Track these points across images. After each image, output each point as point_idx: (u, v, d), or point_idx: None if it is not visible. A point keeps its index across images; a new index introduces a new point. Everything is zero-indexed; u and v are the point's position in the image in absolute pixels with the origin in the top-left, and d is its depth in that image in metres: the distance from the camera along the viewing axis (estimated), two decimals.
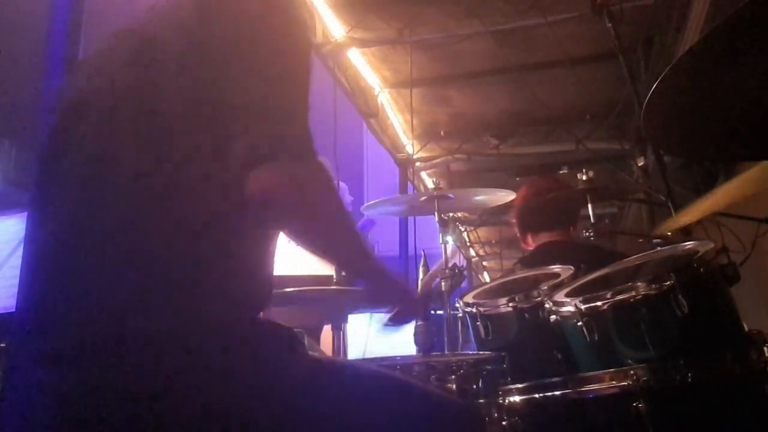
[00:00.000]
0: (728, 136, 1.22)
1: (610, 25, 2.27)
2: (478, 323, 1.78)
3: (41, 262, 0.97)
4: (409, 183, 5.83)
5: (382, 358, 1.75)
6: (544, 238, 2.55)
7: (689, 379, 1.28)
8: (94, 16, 2.15)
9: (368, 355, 3.13)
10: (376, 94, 4.83)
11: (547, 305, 1.62)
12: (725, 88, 1.07)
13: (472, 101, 5.05)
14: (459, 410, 1.14)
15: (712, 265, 1.42)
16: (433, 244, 2.23)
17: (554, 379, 1.45)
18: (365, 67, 4.51)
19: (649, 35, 3.97)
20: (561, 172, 5.25)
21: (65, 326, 0.89)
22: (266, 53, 0.97)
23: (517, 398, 1.46)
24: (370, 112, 4.81)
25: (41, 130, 1.08)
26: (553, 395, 1.43)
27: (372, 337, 3.32)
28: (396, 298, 1.21)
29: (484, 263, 9.62)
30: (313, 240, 1.02)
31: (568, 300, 1.54)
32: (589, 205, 2.29)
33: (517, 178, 5.38)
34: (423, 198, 2.25)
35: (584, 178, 2.26)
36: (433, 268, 1.87)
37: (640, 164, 4.68)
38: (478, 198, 2.42)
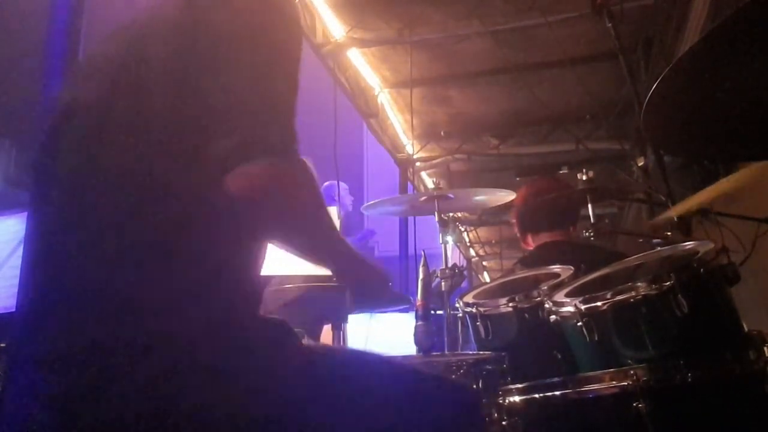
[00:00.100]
0: (728, 136, 1.22)
1: (610, 25, 2.27)
2: (478, 323, 1.78)
3: (38, 262, 0.97)
4: (409, 183, 5.83)
5: None
6: (544, 238, 2.55)
7: (689, 379, 1.28)
8: (94, 16, 2.15)
9: None
10: (376, 94, 4.83)
11: (547, 305, 1.62)
12: (725, 88, 1.07)
13: (472, 101, 5.05)
14: (456, 391, 1.14)
15: (712, 265, 1.42)
16: (433, 244, 2.23)
17: (554, 379, 1.45)
18: (365, 67, 4.51)
19: (649, 35, 3.97)
20: (561, 172, 5.25)
21: (61, 328, 0.89)
22: (258, 52, 0.97)
23: (517, 398, 1.46)
24: (370, 112, 4.81)
25: (41, 131, 1.08)
26: (553, 395, 1.43)
27: (372, 337, 3.32)
28: (376, 287, 1.23)
29: (484, 263, 9.62)
30: (292, 238, 1.03)
31: (568, 300, 1.54)
32: (589, 205, 2.29)
33: (517, 178, 5.38)
34: (423, 198, 2.25)
35: (584, 178, 2.26)
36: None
37: (640, 164, 4.68)
38: (478, 198, 2.42)
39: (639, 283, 1.41)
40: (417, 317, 1.62)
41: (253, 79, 0.95)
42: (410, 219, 5.39)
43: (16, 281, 0.99)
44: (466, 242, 8.16)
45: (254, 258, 1.02)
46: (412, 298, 2.10)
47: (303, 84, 1.02)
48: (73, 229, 0.93)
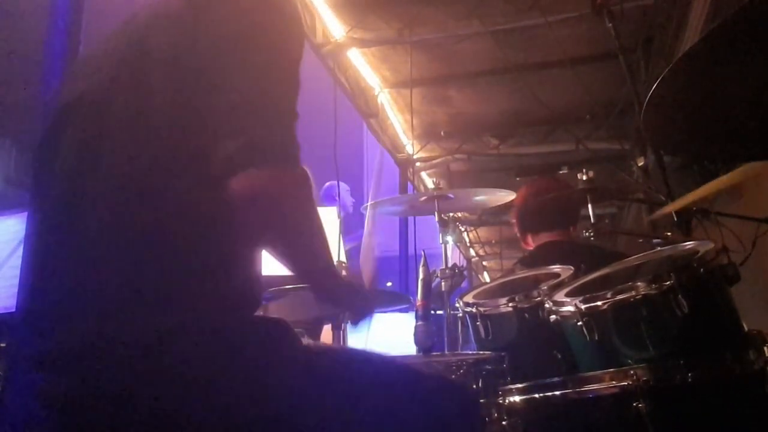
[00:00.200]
0: (728, 136, 1.22)
1: (610, 25, 2.27)
2: (478, 323, 1.78)
3: (38, 262, 0.97)
4: (409, 183, 5.83)
5: None
6: (544, 238, 2.55)
7: (689, 379, 1.28)
8: (94, 16, 2.15)
9: None
10: (376, 94, 4.83)
11: (547, 305, 1.62)
12: (725, 88, 1.07)
13: (472, 101, 5.05)
14: (458, 392, 1.14)
15: (712, 265, 1.42)
16: (433, 244, 2.23)
17: (554, 379, 1.45)
18: (365, 67, 4.51)
19: (649, 35, 3.96)
20: (561, 172, 5.24)
21: (60, 328, 0.89)
22: (259, 51, 0.97)
23: (517, 398, 1.46)
24: (370, 112, 4.81)
25: (41, 130, 1.08)
26: (553, 395, 1.42)
27: (372, 337, 3.32)
28: (353, 305, 1.25)
29: (484, 263, 9.62)
30: (283, 248, 1.03)
31: (568, 300, 1.54)
32: (589, 205, 2.29)
33: (517, 178, 5.37)
34: (423, 198, 2.25)
35: (584, 178, 2.26)
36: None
37: (640, 164, 4.68)
38: (478, 198, 2.43)
39: (639, 283, 1.41)
40: (417, 317, 1.62)
41: (255, 80, 0.95)
42: (410, 219, 5.39)
43: (16, 281, 0.99)
44: (466, 242, 8.16)
45: (252, 258, 1.02)
46: (412, 298, 2.10)
47: (303, 84, 1.02)
48: (73, 229, 0.93)
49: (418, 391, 1.05)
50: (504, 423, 1.42)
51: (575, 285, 1.62)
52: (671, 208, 1.82)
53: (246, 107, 0.92)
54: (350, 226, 4.43)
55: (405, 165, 5.72)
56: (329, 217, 2.93)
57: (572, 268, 1.82)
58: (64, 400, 0.85)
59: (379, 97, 4.88)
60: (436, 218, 2.15)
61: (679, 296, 1.35)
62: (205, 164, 0.92)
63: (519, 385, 1.48)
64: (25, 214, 1.38)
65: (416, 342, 1.60)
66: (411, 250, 5.45)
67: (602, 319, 1.45)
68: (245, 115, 0.92)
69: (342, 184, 4.00)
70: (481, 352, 1.74)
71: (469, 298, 1.89)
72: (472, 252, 8.96)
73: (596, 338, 1.45)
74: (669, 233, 1.93)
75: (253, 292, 1.00)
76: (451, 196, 2.21)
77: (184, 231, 0.91)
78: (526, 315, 1.74)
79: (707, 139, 1.24)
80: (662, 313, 1.38)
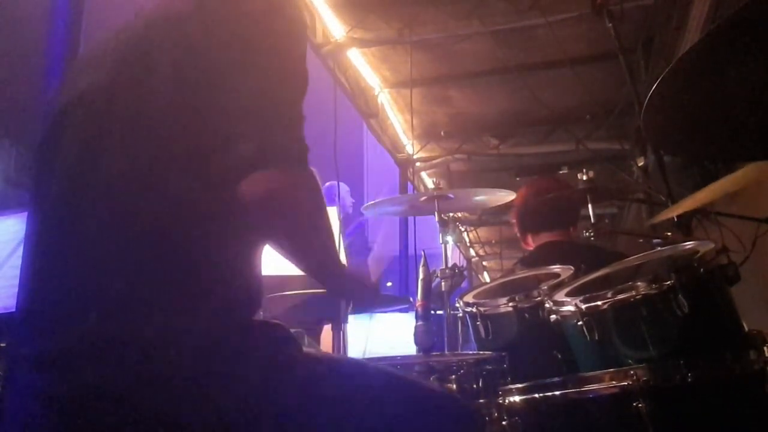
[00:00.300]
0: (728, 136, 1.22)
1: (610, 25, 2.27)
2: (478, 323, 1.78)
3: (38, 262, 0.97)
4: (409, 183, 5.83)
5: (382, 358, 1.75)
6: (544, 238, 2.55)
7: (689, 379, 1.28)
8: (94, 16, 2.15)
9: (368, 355, 3.13)
10: (376, 94, 4.83)
11: (547, 305, 1.62)
12: (725, 88, 1.07)
13: (472, 101, 5.05)
14: (457, 407, 1.14)
15: (712, 265, 1.42)
16: (433, 244, 2.23)
17: (554, 379, 1.44)
18: (365, 67, 4.51)
19: (649, 35, 3.97)
20: (561, 172, 5.25)
21: (60, 328, 0.88)
22: (265, 54, 0.97)
23: (517, 398, 1.46)
24: (370, 112, 4.81)
25: (41, 130, 1.08)
26: (553, 395, 1.42)
27: (372, 337, 3.32)
28: (359, 295, 1.27)
29: (484, 263, 9.62)
30: (292, 247, 1.04)
31: (568, 300, 1.54)
32: (589, 205, 2.29)
33: (517, 178, 5.38)
34: (423, 198, 2.25)
35: (584, 178, 2.26)
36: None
37: (640, 164, 4.68)
38: (478, 198, 2.42)
39: (639, 283, 1.41)
40: (417, 317, 1.62)
41: (263, 83, 0.95)
42: (410, 219, 5.39)
43: (16, 281, 0.99)
44: (466, 242, 8.16)
45: (253, 259, 1.02)
46: (412, 298, 2.10)
47: None
48: (73, 229, 0.93)
49: (415, 405, 1.05)
50: (504, 423, 1.42)
51: (575, 285, 1.62)
52: (673, 212, 1.82)
53: (256, 110, 0.93)
54: (350, 226, 4.43)
55: (405, 165, 5.72)
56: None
57: (572, 268, 1.82)
58: (63, 400, 0.85)
59: (379, 97, 4.88)
60: (436, 218, 2.15)
61: (679, 296, 1.35)
62: (205, 165, 0.92)
63: (519, 385, 1.48)
64: (25, 214, 1.38)
65: (416, 342, 1.60)
66: (411, 250, 5.45)
67: (602, 319, 1.45)
68: (256, 119, 0.93)
69: (342, 185, 4.00)
70: (481, 352, 1.74)
71: (469, 298, 1.89)
72: (472, 252, 8.96)
73: (596, 338, 1.45)
74: (669, 233, 1.93)
75: (254, 293, 1.00)
76: (451, 196, 2.21)
77: (184, 231, 0.91)
78: (527, 315, 1.74)
79: (707, 139, 1.24)
80: (662, 313, 1.38)
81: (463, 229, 7.24)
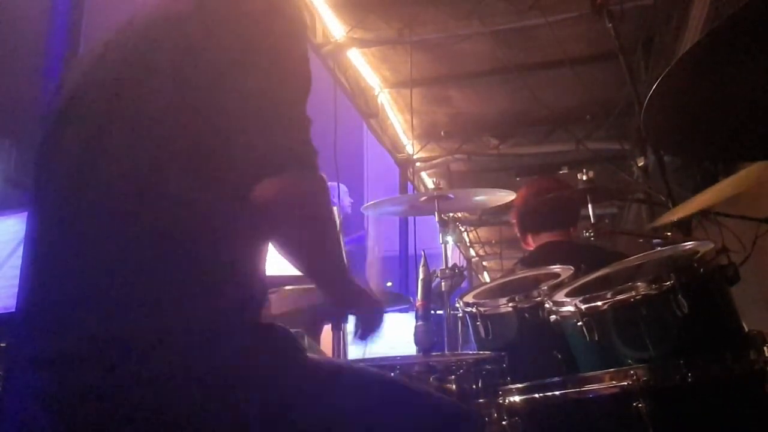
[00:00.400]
0: (728, 136, 1.22)
1: (610, 25, 2.27)
2: (478, 323, 1.78)
3: (38, 262, 0.97)
4: (409, 183, 5.83)
5: (382, 358, 1.75)
6: (545, 238, 2.55)
7: (689, 379, 1.28)
8: (94, 16, 2.15)
9: (368, 355, 3.12)
10: (376, 94, 4.83)
11: (547, 305, 1.62)
12: (725, 88, 1.07)
13: (472, 101, 5.05)
14: (458, 413, 1.14)
15: (712, 265, 1.42)
16: (433, 244, 2.23)
17: (554, 379, 1.44)
18: (365, 67, 4.51)
19: (649, 35, 3.97)
20: (561, 172, 5.25)
21: (60, 328, 0.88)
22: (268, 55, 0.97)
23: (517, 398, 1.46)
24: (370, 112, 4.81)
25: (41, 130, 1.08)
26: (553, 395, 1.42)
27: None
28: (365, 310, 1.23)
29: (484, 263, 9.62)
30: (300, 250, 1.04)
31: (568, 300, 1.54)
32: (589, 205, 2.29)
33: (517, 178, 5.38)
34: (423, 198, 2.25)
35: (584, 178, 2.26)
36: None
37: (640, 164, 4.68)
38: (478, 198, 2.42)
39: (639, 283, 1.41)
40: (417, 317, 1.62)
41: (263, 83, 0.95)
42: (410, 219, 5.39)
43: (16, 281, 0.99)
44: (466, 242, 8.16)
45: (256, 261, 1.02)
46: (412, 298, 2.10)
47: None
48: (72, 229, 0.93)
49: (414, 411, 1.05)
50: (504, 423, 1.42)
51: (575, 285, 1.62)
52: (674, 215, 1.82)
53: (257, 110, 0.93)
54: (349, 226, 4.43)
55: (405, 165, 5.72)
56: None
57: (572, 268, 1.82)
58: (63, 400, 0.85)
59: (379, 97, 4.88)
60: (436, 218, 2.15)
61: (679, 296, 1.35)
62: (206, 165, 0.92)
63: (519, 385, 1.48)
64: (25, 214, 1.38)
65: (416, 342, 1.60)
66: (411, 250, 5.45)
67: (602, 319, 1.45)
68: (257, 119, 0.93)
69: (341, 186, 4.00)
70: (481, 352, 1.74)
71: (469, 298, 1.89)
72: (472, 252, 8.96)
73: (596, 338, 1.44)
74: (669, 233, 1.93)
75: (256, 293, 1.00)
76: (451, 196, 2.21)
77: (184, 232, 0.91)
78: (526, 315, 1.74)
79: (707, 139, 1.24)
80: (662, 313, 1.38)
81: (463, 229, 7.24)
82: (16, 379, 0.93)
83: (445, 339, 1.94)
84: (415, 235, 5.26)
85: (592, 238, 2.29)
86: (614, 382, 1.34)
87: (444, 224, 2.15)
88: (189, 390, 0.85)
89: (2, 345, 1.71)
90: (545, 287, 1.75)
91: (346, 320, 2.21)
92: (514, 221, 2.71)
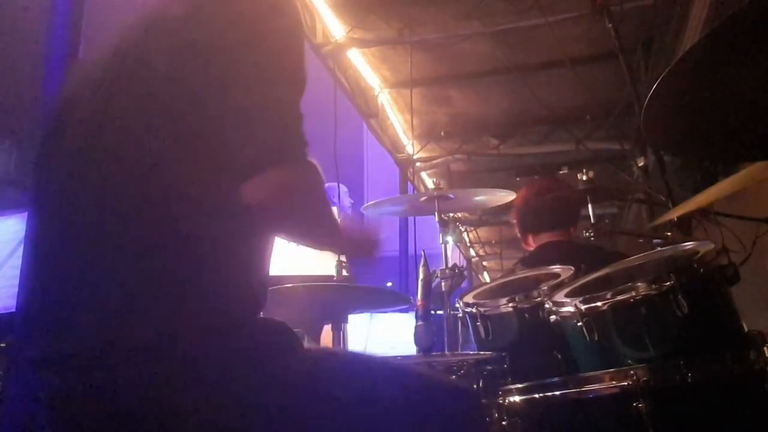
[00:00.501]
0: (728, 136, 1.22)
1: (610, 25, 2.27)
2: (478, 323, 1.78)
3: (38, 262, 0.97)
4: (409, 183, 5.83)
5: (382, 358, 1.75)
6: (545, 238, 2.55)
7: (689, 379, 1.28)
8: (94, 16, 2.15)
9: None
10: (376, 94, 4.83)
11: (547, 305, 1.62)
12: (725, 88, 1.07)
13: (472, 101, 5.05)
14: (458, 394, 1.14)
15: (712, 265, 1.42)
16: (433, 244, 2.23)
17: (554, 379, 1.44)
18: (365, 67, 4.51)
19: (649, 35, 3.97)
20: (561, 172, 5.24)
21: (60, 328, 0.88)
22: (265, 55, 0.97)
23: (517, 398, 1.46)
24: (370, 112, 4.81)
25: (41, 130, 1.08)
26: (553, 395, 1.42)
27: (372, 337, 3.32)
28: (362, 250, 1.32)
29: (484, 263, 9.62)
30: (301, 233, 1.12)
31: (568, 300, 1.54)
32: (589, 205, 2.29)
33: (517, 178, 5.38)
34: (423, 198, 2.25)
35: (584, 178, 2.27)
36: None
37: (640, 164, 4.68)
38: (478, 198, 2.42)
39: (639, 283, 1.41)
40: (417, 317, 1.62)
41: (261, 83, 0.95)
42: (410, 219, 5.39)
43: (16, 281, 0.99)
44: (466, 242, 8.16)
45: (257, 259, 1.02)
46: (412, 298, 2.10)
47: None
48: (72, 229, 0.93)
49: (421, 398, 1.05)
50: (504, 423, 1.42)
51: (575, 285, 1.62)
52: (674, 214, 1.82)
53: (254, 110, 0.94)
54: None
55: (405, 165, 5.72)
56: None
57: (572, 268, 1.82)
58: (63, 400, 0.85)
59: (379, 97, 4.88)
60: (436, 218, 2.15)
61: (679, 296, 1.35)
62: (205, 165, 0.92)
63: (519, 385, 1.48)
64: (25, 214, 1.38)
65: (416, 342, 1.60)
66: (411, 250, 5.45)
67: (602, 320, 1.45)
68: (255, 119, 0.93)
69: (341, 187, 4.00)
70: (482, 353, 1.74)
71: (469, 298, 1.89)
72: (472, 252, 8.96)
73: (596, 338, 1.44)
74: (669, 233, 1.93)
75: (257, 293, 1.00)
76: (451, 196, 2.21)
77: (184, 231, 0.91)
78: (527, 315, 1.74)
79: (707, 139, 1.24)
80: (662, 314, 1.38)
81: (463, 229, 7.24)
82: (17, 379, 0.93)
83: (445, 339, 1.93)
84: (415, 235, 5.26)
85: (592, 238, 2.29)
86: (614, 382, 1.34)
87: (444, 224, 2.15)
88: (189, 389, 0.85)
89: (2, 345, 1.71)
90: (545, 287, 1.75)
91: (345, 320, 2.21)
92: (515, 221, 2.71)
